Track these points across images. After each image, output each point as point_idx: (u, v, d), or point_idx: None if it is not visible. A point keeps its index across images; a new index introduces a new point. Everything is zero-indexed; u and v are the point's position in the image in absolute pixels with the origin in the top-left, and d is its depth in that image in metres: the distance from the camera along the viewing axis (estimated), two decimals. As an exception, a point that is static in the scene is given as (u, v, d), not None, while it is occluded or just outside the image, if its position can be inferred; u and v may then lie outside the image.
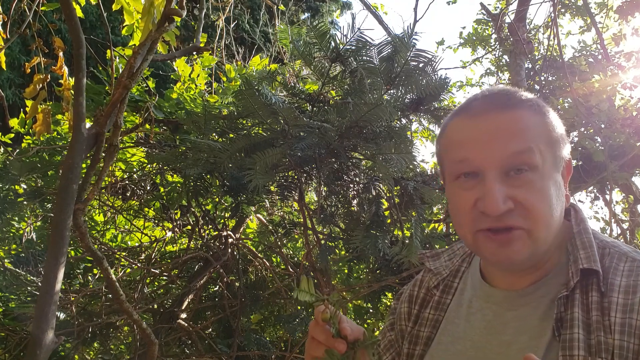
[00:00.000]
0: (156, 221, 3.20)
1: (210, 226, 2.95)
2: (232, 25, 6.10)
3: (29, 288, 2.75)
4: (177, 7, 1.77)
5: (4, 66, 2.48)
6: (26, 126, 2.94)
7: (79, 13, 1.99)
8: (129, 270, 2.99)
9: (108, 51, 2.42)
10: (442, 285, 0.99)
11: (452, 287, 0.98)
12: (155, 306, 2.82)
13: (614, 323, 0.73)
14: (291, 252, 3.26)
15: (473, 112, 0.83)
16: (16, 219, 2.95)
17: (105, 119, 1.63)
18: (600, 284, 0.77)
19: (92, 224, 3.17)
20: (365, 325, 2.96)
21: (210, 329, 2.88)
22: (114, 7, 2.38)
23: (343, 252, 2.64)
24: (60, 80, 2.39)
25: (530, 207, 0.77)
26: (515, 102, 0.82)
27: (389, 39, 2.03)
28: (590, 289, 0.78)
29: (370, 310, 2.86)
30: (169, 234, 3.08)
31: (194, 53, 2.50)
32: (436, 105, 2.11)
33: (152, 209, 3.10)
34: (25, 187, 2.71)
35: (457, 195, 0.83)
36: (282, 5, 7.50)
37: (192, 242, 2.94)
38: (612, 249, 0.82)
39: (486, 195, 0.78)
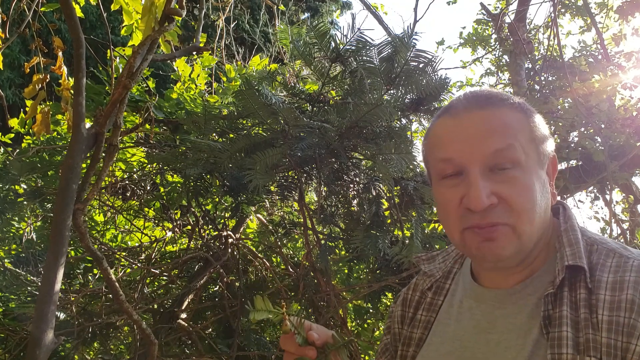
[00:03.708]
0: (156, 221, 3.19)
1: (210, 226, 2.95)
2: (232, 25, 6.10)
3: (29, 288, 2.75)
4: (177, 7, 1.76)
5: (0, 66, 2.47)
6: (26, 126, 2.94)
7: (79, 13, 1.99)
8: (129, 270, 2.99)
9: (108, 51, 2.42)
10: (434, 287, 1.00)
11: (444, 289, 0.98)
12: (155, 306, 2.82)
13: (601, 321, 0.73)
14: (291, 252, 3.26)
15: (455, 112, 0.85)
16: (16, 219, 2.95)
17: (105, 119, 1.63)
18: (587, 280, 0.78)
19: (92, 224, 3.17)
20: (365, 325, 2.96)
21: (210, 329, 2.88)
22: (113, 7, 2.38)
23: (343, 252, 2.63)
24: (59, 80, 2.39)
25: (513, 202, 0.79)
26: (495, 100, 0.84)
27: (389, 39, 2.03)
28: (578, 286, 0.78)
29: (370, 310, 2.86)
30: (169, 234, 3.08)
31: (194, 53, 2.50)
32: (436, 106, 2.11)
33: (152, 209, 3.10)
34: (25, 187, 2.71)
35: (443, 195, 0.85)
36: (282, 5, 7.50)
37: (192, 242, 2.94)
38: (599, 245, 0.82)
39: (470, 191, 0.79)
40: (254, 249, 3.02)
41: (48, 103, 2.47)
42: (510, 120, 0.81)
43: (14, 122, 2.93)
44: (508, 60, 5.49)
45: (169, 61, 2.63)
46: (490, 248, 0.80)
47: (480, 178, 0.79)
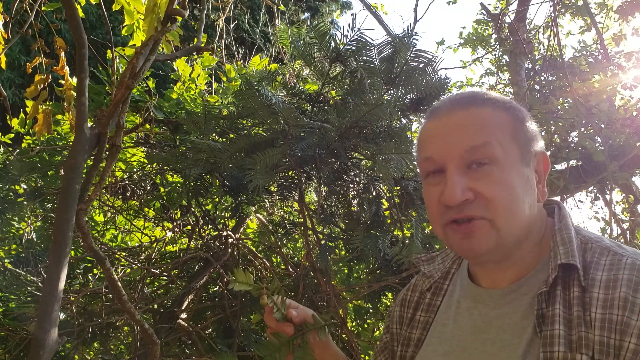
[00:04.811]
0: (156, 221, 3.20)
1: (210, 226, 2.95)
2: (232, 25, 6.10)
3: (29, 288, 2.75)
4: (179, 7, 1.77)
5: (3, 66, 2.48)
6: (26, 126, 2.94)
7: (80, 13, 1.99)
8: (129, 270, 2.99)
9: (109, 51, 2.42)
10: (433, 288, 1.01)
11: (442, 289, 0.99)
12: (155, 306, 2.82)
13: (594, 319, 0.74)
14: (291, 252, 3.26)
15: (437, 114, 0.88)
16: (16, 219, 2.95)
17: (107, 119, 1.63)
18: (581, 279, 0.78)
19: (93, 224, 3.17)
20: (365, 325, 2.96)
21: (210, 329, 2.88)
22: (114, 7, 2.38)
23: (343, 252, 2.64)
24: (61, 81, 2.39)
25: (490, 197, 0.80)
26: (478, 100, 0.86)
27: (389, 39, 2.04)
28: (572, 284, 0.79)
29: (370, 310, 2.86)
30: (169, 234, 3.08)
31: (194, 53, 2.50)
32: (436, 106, 2.11)
33: (152, 209, 3.10)
34: (25, 187, 2.71)
35: (427, 192, 0.87)
36: (282, 5, 7.51)
37: (192, 242, 2.94)
38: (594, 243, 0.83)
39: (446, 187, 0.81)
40: (254, 249, 3.02)
41: (49, 103, 2.47)
42: (489, 118, 0.83)
43: (14, 122, 2.93)
44: (508, 60, 5.50)
45: (169, 61, 2.63)
46: (470, 244, 0.81)
47: (455, 174, 0.81)
